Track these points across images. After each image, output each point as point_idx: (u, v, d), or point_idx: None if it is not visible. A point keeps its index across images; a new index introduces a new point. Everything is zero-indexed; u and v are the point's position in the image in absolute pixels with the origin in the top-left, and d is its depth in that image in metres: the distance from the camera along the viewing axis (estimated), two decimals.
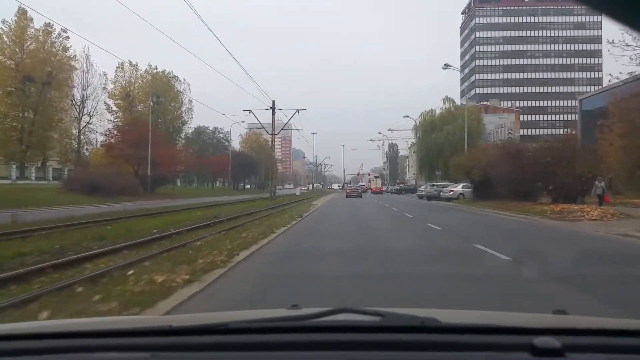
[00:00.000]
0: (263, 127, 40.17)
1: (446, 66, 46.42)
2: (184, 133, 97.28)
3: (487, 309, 2.89)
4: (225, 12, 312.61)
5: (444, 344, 1.31)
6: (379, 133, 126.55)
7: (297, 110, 39.13)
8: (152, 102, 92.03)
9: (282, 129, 40.55)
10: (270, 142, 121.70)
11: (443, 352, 1.29)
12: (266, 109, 38.26)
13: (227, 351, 1.32)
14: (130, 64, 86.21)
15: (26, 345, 1.38)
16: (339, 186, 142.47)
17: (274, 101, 38.57)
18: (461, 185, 42.09)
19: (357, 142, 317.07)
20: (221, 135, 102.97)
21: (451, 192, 40.95)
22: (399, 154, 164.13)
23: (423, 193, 48.96)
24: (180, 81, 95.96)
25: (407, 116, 72.53)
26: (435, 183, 47.60)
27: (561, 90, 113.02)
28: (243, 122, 75.82)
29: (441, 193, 42.33)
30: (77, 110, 73.94)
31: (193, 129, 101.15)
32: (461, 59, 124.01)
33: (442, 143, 61.02)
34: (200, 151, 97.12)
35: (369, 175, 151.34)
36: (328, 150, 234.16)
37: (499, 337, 1.35)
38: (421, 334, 1.34)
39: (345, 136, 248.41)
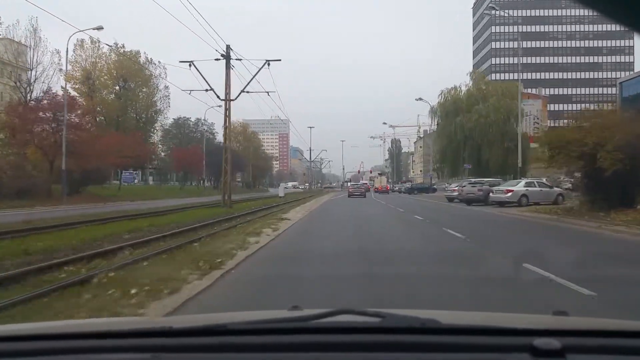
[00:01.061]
0: (211, 89, 24.31)
1: (490, 8, 31.24)
2: (159, 124, 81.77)
3: None
4: (225, 11, 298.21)
5: (445, 345, 1.27)
6: (384, 123, 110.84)
7: (267, 61, 23.56)
8: (119, 87, 76.89)
9: (243, 91, 24.80)
10: (259, 137, 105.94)
11: (443, 354, 1.25)
12: (217, 59, 22.80)
13: (228, 352, 1.28)
14: (92, 41, 70.16)
15: (27, 346, 1.33)
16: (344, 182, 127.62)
17: (228, 46, 22.99)
18: (523, 182, 26.58)
19: (357, 141, 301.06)
20: (205, 127, 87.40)
21: (508, 194, 25.41)
22: (402, 151, 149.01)
23: (455, 194, 33.38)
24: (155, 64, 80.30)
25: (420, 99, 56.95)
26: (478, 180, 31.86)
27: (587, 77, 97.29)
28: (220, 106, 60.01)
29: (491, 195, 26.73)
30: (23, 94, 58.12)
31: (172, 121, 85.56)
32: (474, 43, 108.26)
33: (472, 128, 45.37)
34: (181, 145, 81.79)
35: (370, 172, 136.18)
36: (327, 150, 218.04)
37: (499, 338, 1.30)
38: (422, 335, 1.30)
39: (345, 136, 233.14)
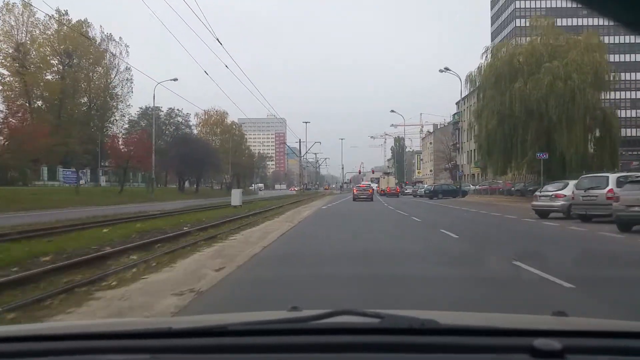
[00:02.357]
0: None
1: None
2: (119, 113, 64.46)
3: None
4: (225, 9, 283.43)
5: (444, 346, 1.22)
6: (392, 111, 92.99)
7: None
8: (62, 64, 59.83)
9: None
10: (241, 126, 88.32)
11: (443, 354, 1.21)
12: None
13: (227, 353, 1.24)
14: (24, 5, 52.99)
15: (26, 347, 1.29)
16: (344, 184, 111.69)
17: None
18: None
19: (356, 141, 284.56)
20: (179, 118, 70.26)
21: None
22: (406, 150, 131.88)
23: (559, 204, 16.51)
24: (115, 41, 63.15)
25: (446, 69, 40.08)
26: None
27: (628, 60, 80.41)
28: (176, 79, 43.16)
29: None
30: None
31: (140, 110, 68.02)
32: (492, 23, 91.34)
33: (540, 99, 28.22)
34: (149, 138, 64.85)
35: (372, 173, 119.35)
36: (326, 150, 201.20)
37: (498, 339, 1.26)
38: (421, 336, 1.25)
39: (344, 136, 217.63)
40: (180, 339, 1.28)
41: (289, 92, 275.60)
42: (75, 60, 59.09)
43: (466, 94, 40.66)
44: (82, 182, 56.91)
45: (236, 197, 21.62)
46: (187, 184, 65.14)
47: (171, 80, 42.42)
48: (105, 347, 1.26)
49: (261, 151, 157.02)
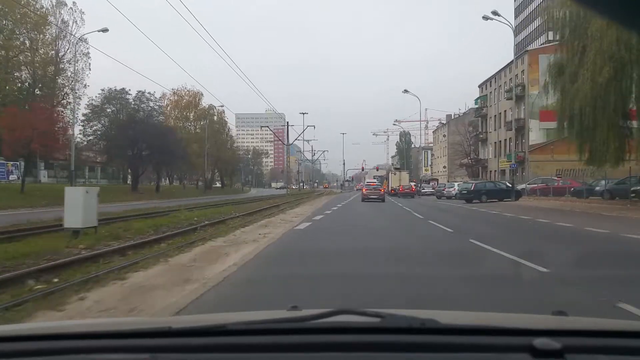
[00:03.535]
0: None
1: None
2: (73, 94, 50.81)
3: None
4: (224, 8, 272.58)
5: (444, 345, 1.21)
6: (405, 91, 79.55)
7: None
8: None
9: None
10: (222, 111, 73.87)
11: (443, 354, 1.20)
12: None
13: (227, 353, 1.23)
14: None
15: (24, 347, 1.26)
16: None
17: None
18: None
19: (358, 139, 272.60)
20: (151, 103, 56.55)
21: None
22: (411, 146, 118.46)
23: None
24: (67, 6, 49.57)
25: (495, 13, 26.92)
26: None
27: None
28: (106, 30, 29.77)
29: None
30: None
31: (102, 93, 54.09)
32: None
33: None
34: (111, 126, 51.48)
35: (377, 170, 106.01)
36: (326, 147, 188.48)
37: (498, 339, 1.24)
38: (421, 335, 1.24)
39: (345, 135, 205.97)
40: (180, 338, 1.24)
41: (288, 91, 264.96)
42: (8, 24, 45.86)
43: (521, 52, 27.22)
44: (12, 177, 43.92)
45: (76, 207, 8.14)
46: (168, 181, 52.28)
47: (99, 31, 28.97)
48: (105, 346, 1.23)
49: (257, 147, 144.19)
